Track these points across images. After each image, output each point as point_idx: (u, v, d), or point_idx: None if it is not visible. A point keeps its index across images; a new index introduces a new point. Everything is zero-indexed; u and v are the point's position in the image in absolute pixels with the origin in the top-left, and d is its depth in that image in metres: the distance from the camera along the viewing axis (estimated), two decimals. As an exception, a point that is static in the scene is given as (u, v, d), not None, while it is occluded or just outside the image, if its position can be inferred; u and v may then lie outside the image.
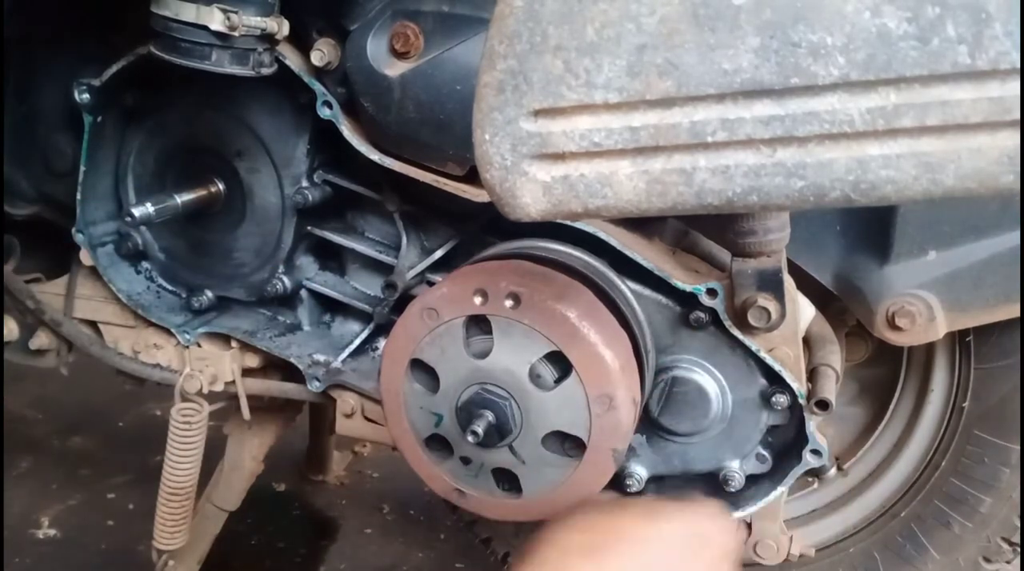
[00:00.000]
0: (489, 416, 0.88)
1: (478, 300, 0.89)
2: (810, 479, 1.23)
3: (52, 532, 1.72)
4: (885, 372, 1.22)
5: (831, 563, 1.22)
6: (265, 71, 1.04)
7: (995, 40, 0.54)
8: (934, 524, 1.15)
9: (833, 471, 1.23)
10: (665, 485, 1.08)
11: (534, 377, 0.88)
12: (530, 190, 0.66)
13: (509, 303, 0.87)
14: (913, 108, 0.57)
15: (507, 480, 0.94)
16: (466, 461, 0.94)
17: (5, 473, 1.91)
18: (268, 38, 1.02)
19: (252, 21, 0.98)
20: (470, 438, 0.86)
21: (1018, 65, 0.54)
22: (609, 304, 0.93)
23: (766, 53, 0.57)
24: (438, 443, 0.96)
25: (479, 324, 0.91)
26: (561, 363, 0.88)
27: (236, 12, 0.96)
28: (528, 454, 0.90)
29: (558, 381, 0.88)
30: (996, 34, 0.53)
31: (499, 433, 0.88)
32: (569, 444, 0.90)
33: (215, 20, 0.96)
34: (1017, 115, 0.55)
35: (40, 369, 2.12)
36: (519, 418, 0.88)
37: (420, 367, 0.94)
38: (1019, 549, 1.12)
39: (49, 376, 2.23)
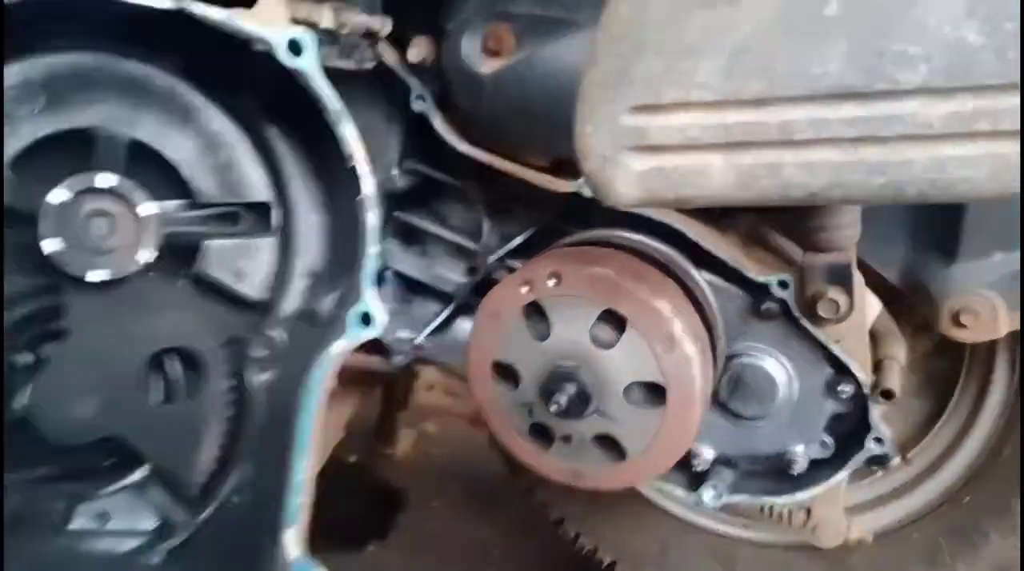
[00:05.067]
0: (569, 388, 0.95)
1: (524, 289, 0.97)
2: (874, 468, 1.27)
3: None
4: (948, 364, 1.25)
5: (896, 550, 1.27)
6: (367, 66, 1.11)
7: (1068, 52, 0.59)
8: (995, 510, 1.19)
9: (897, 460, 1.27)
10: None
11: (596, 340, 0.95)
12: (626, 179, 0.72)
13: (552, 282, 0.96)
14: (989, 114, 0.62)
15: (610, 446, 1.00)
16: (567, 439, 1.01)
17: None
18: (371, 35, 1.10)
19: (359, 19, 1.05)
20: (552, 408, 0.93)
21: (1088, 76, 0.59)
22: (684, 291, 0.99)
23: (853, 59, 0.63)
24: (538, 433, 1.03)
25: (536, 311, 0.98)
26: (616, 321, 0.94)
27: (345, 11, 1.04)
28: (616, 412, 0.96)
29: (618, 337, 0.94)
30: (1070, 47, 0.58)
31: (582, 401, 0.95)
32: (652, 395, 0.96)
33: (325, 18, 1.04)
34: (1087, 121, 0.60)
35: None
36: (595, 381, 0.95)
37: (501, 369, 1.02)
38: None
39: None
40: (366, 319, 0.71)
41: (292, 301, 0.66)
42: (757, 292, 1.04)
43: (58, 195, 0.59)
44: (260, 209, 0.67)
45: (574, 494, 1.20)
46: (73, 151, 0.63)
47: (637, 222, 1.07)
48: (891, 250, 1.07)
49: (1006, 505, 1.17)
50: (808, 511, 1.19)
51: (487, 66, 1.09)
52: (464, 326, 1.22)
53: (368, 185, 0.59)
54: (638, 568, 1.41)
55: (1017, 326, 1.01)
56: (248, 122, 0.68)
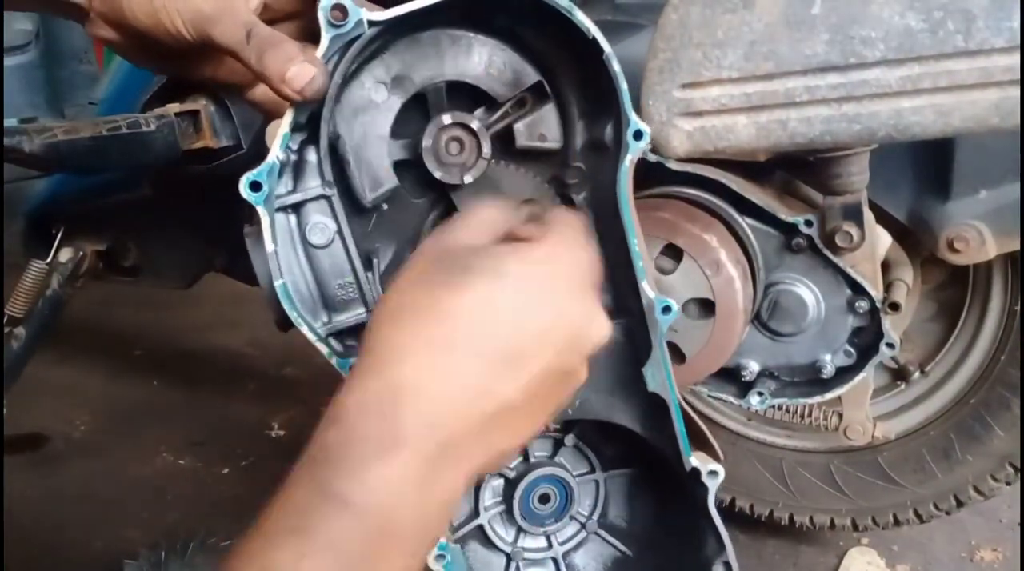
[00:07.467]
0: None
1: None
2: (899, 382, 1.53)
3: (281, 432, 2.19)
4: (957, 293, 1.50)
5: (916, 444, 1.52)
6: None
7: (980, 31, 0.85)
8: (997, 407, 1.43)
9: (917, 374, 1.52)
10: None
11: (660, 268, 1.22)
12: (678, 137, 1.01)
13: None
14: (930, 75, 0.89)
15: (672, 352, 1.26)
16: None
17: (237, 395, 2.40)
18: None
19: None
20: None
21: (997, 46, 0.85)
22: (729, 229, 1.27)
23: (832, 43, 0.91)
24: None
25: None
26: (675, 252, 1.21)
27: None
28: (677, 324, 1.23)
29: (676, 265, 1.21)
30: (980, 27, 0.85)
31: None
32: (703, 309, 1.23)
33: None
34: (999, 78, 0.87)
35: (254, 317, 2.58)
36: None
37: None
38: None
39: (261, 322, 2.74)
40: (638, 135, 0.88)
41: (579, 138, 0.88)
42: (788, 230, 1.30)
43: (426, 142, 0.86)
44: (536, 87, 0.89)
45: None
46: (414, 109, 0.89)
47: (690, 179, 1.35)
48: (899, 194, 1.32)
49: (1005, 403, 1.41)
50: (839, 416, 1.45)
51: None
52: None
53: (606, 45, 0.79)
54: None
55: (1001, 250, 1.26)
56: (506, 33, 0.88)
